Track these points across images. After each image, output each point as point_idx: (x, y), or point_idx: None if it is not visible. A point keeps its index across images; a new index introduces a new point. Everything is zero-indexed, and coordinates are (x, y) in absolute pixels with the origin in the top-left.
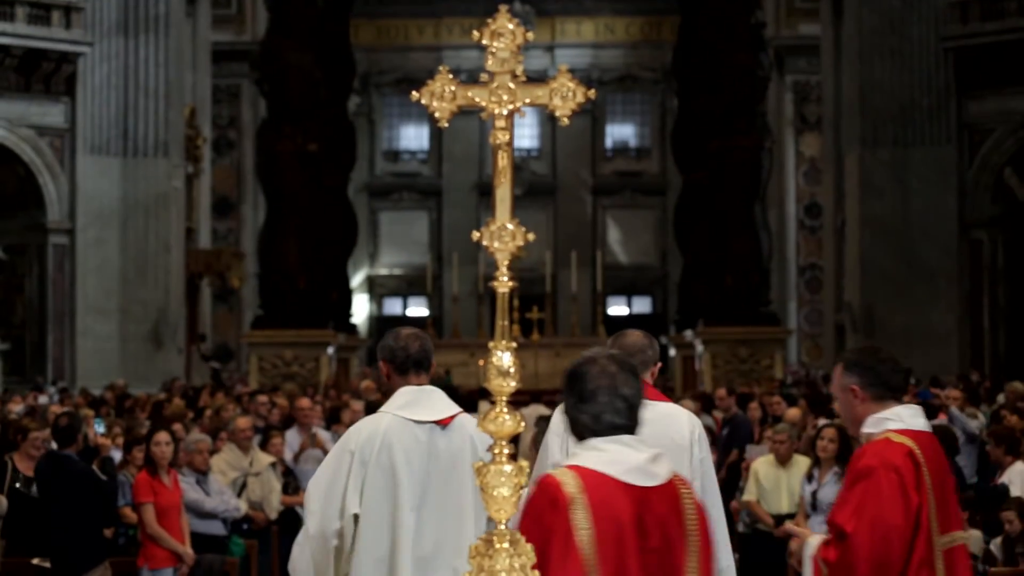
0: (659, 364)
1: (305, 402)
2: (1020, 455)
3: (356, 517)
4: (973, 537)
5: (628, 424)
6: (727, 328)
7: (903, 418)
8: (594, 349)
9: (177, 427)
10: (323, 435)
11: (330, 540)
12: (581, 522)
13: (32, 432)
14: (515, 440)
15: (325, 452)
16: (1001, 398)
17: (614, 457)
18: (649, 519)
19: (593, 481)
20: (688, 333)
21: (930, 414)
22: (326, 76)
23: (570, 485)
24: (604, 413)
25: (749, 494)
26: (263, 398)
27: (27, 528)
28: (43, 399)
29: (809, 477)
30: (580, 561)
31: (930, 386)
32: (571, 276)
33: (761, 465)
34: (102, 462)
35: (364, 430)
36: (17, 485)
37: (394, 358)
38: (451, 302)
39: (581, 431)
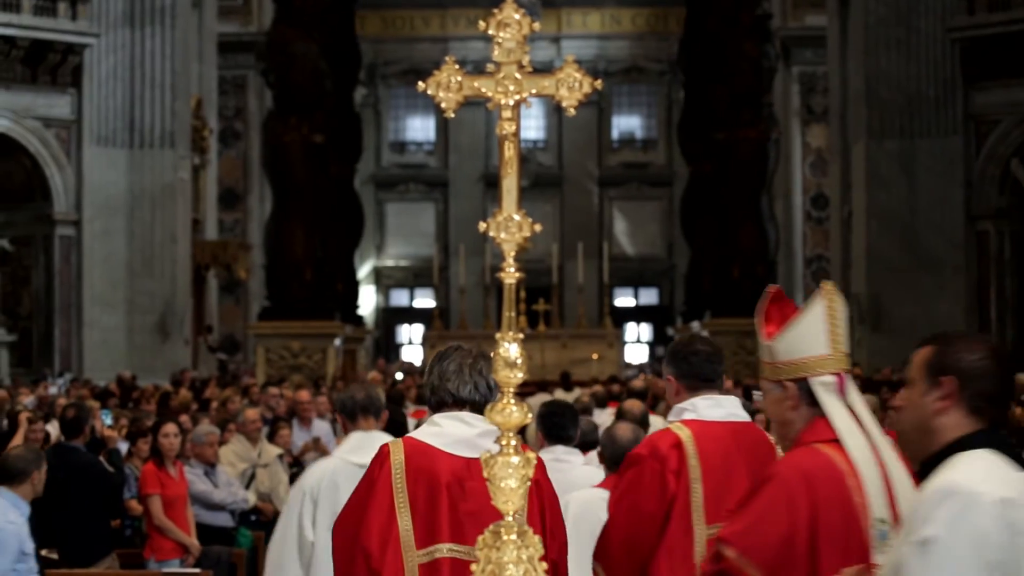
0: None
1: (304, 395)
2: None
3: (312, 545)
4: None
5: (476, 400)
6: (734, 319)
7: (698, 408)
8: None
9: (183, 418)
10: (325, 440)
11: (289, 566)
12: (398, 483)
13: (31, 424)
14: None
15: (327, 454)
16: None
17: (444, 431)
18: (471, 485)
19: (416, 450)
20: (695, 324)
21: None
22: (332, 67)
23: (396, 453)
24: (452, 387)
25: None
26: (274, 390)
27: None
28: (53, 390)
29: None
30: (392, 511)
31: None
32: (577, 267)
33: None
34: (109, 454)
35: (315, 472)
36: None
37: (344, 407)
38: (458, 293)
39: (435, 404)
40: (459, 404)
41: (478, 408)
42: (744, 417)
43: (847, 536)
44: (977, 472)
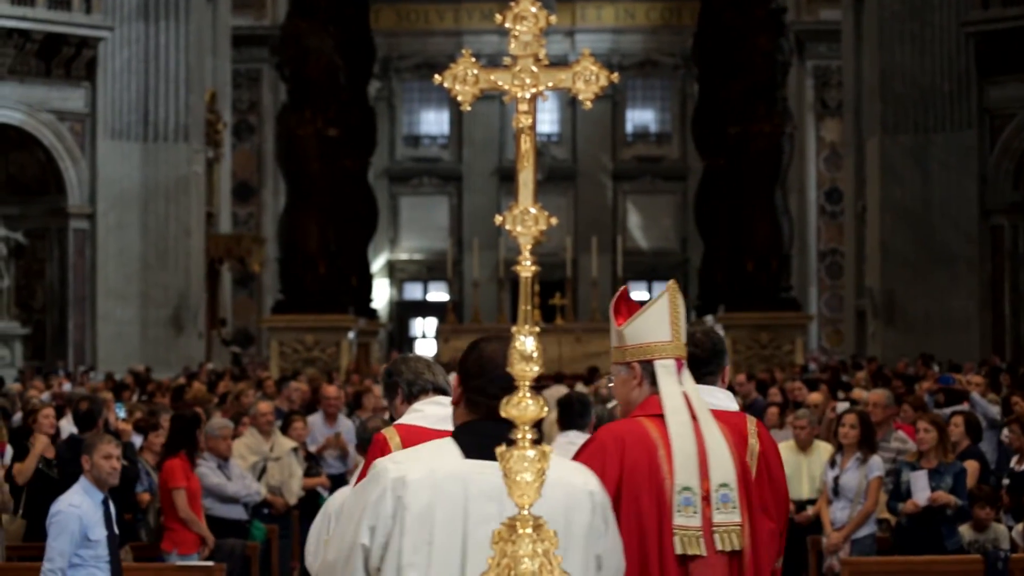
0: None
1: (332, 390)
2: None
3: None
4: (1001, 532)
5: (445, 388)
6: (748, 314)
7: None
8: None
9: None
10: (346, 436)
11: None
12: None
13: (42, 410)
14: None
15: (345, 450)
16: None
17: (426, 413)
18: None
19: (408, 433)
20: (709, 318)
21: (954, 399)
22: (346, 61)
23: (393, 438)
24: (429, 377)
25: None
26: (295, 384)
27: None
28: (67, 386)
29: (832, 463)
30: None
31: (950, 371)
32: (591, 261)
33: (781, 451)
34: (123, 447)
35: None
36: (40, 466)
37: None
38: (471, 287)
39: (416, 392)
40: (437, 390)
41: (446, 394)
42: (726, 407)
43: (649, 498)
44: (403, 454)
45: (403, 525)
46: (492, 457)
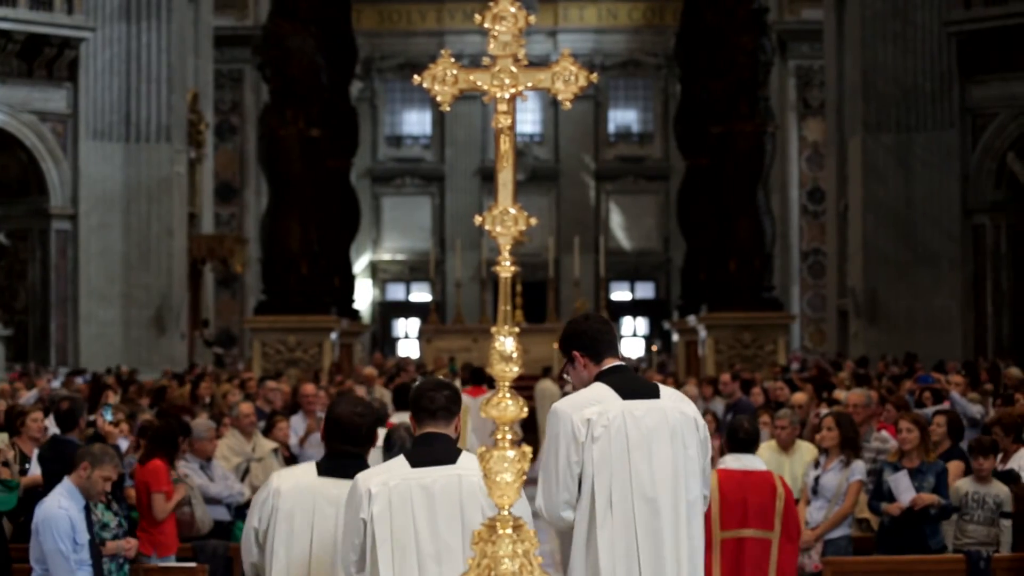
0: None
1: (310, 388)
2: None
3: None
4: (1003, 491)
5: None
6: (730, 313)
7: None
8: None
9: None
10: None
11: None
12: None
13: (31, 414)
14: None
15: None
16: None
17: None
18: None
19: None
20: (691, 318)
21: (940, 399)
22: (328, 61)
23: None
24: None
25: None
26: (272, 384)
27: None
28: (55, 383)
29: (816, 463)
30: None
31: (932, 371)
32: (574, 261)
33: (763, 451)
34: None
35: None
36: (27, 466)
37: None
38: (454, 287)
39: None
40: None
41: None
42: (758, 468)
43: None
44: (286, 471)
45: (276, 521)
46: (334, 475)
